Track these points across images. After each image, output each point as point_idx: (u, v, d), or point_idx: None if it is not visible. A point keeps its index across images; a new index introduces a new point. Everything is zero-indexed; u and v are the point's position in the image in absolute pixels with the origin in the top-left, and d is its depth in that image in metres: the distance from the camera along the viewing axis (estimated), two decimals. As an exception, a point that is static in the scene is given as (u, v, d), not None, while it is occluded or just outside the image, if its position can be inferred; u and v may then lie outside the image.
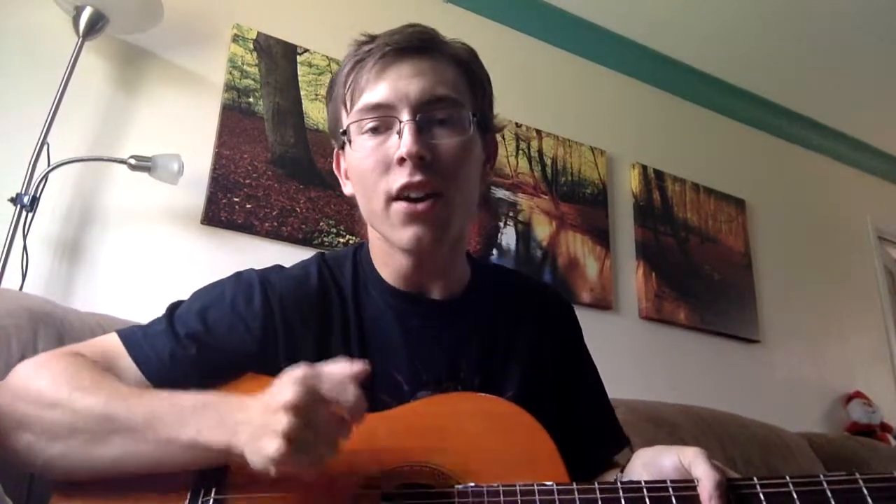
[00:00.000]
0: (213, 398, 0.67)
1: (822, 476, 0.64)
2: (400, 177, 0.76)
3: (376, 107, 0.77)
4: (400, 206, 0.77)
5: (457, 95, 0.80)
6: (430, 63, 0.79)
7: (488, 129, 0.88)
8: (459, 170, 0.79)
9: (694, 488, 0.65)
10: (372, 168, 0.78)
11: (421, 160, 0.75)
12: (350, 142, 0.81)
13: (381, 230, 0.81)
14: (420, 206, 0.76)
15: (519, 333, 0.90)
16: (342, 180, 0.88)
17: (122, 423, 0.65)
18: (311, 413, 0.60)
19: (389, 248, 0.83)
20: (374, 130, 0.78)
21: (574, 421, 0.90)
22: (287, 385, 0.61)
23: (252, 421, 0.62)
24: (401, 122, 0.76)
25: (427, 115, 0.77)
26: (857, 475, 0.64)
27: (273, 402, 0.61)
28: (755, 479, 0.66)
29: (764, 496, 0.64)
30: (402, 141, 0.75)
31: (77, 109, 1.67)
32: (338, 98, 0.83)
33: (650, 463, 0.71)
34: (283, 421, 0.59)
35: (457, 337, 0.86)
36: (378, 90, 0.77)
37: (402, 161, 0.75)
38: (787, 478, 0.65)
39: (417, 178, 0.75)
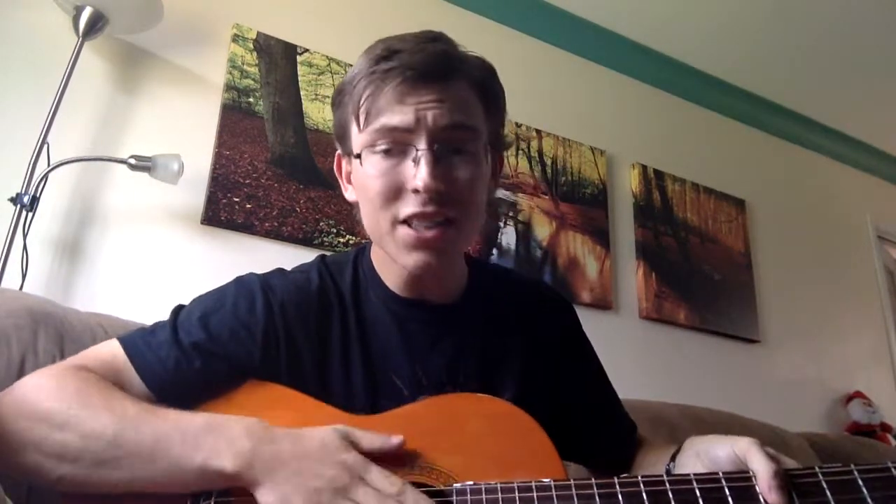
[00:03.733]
0: (221, 420, 0.68)
1: (889, 463, 0.62)
2: (411, 205, 0.75)
3: (393, 129, 0.75)
4: (406, 232, 0.76)
5: (473, 122, 0.78)
6: (451, 88, 0.76)
7: (499, 148, 0.88)
8: (471, 197, 0.78)
9: (749, 479, 0.63)
10: (382, 191, 0.76)
11: (437, 193, 0.74)
12: (359, 157, 0.78)
13: (386, 249, 0.81)
14: (429, 234, 0.76)
15: (516, 334, 0.90)
16: (343, 184, 0.87)
17: (132, 447, 0.65)
18: (352, 494, 0.63)
19: (391, 258, 0.83)
20: (388, 152, 0.76)
21: (581, 415, 0.91)
22: (332, 455, 0.65)
23: (282, 467, 0.64)
24: (418, 150, 0.74)
25: (444, 143, 0.75)
26: None
27: (314, 467, 0.64)
28: (816, 468, 0.63)
29: (827, 485, 0.61)
30: (419, 172, 0.73)
31: (77, 109, 1.67)
32: (349, 109, 0.79)
33: (703, 453, 0.71)
34: (323, 494, 0.62)
35: (456, 341, 0.86)
36: (397, 114, 0.74)
37: (416, 191, 0.74)
38: (853, 465, 0.62)
39: (430, 209, 0.75)
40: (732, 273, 2.69)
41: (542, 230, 2.30)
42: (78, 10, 1.61)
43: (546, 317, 0.94)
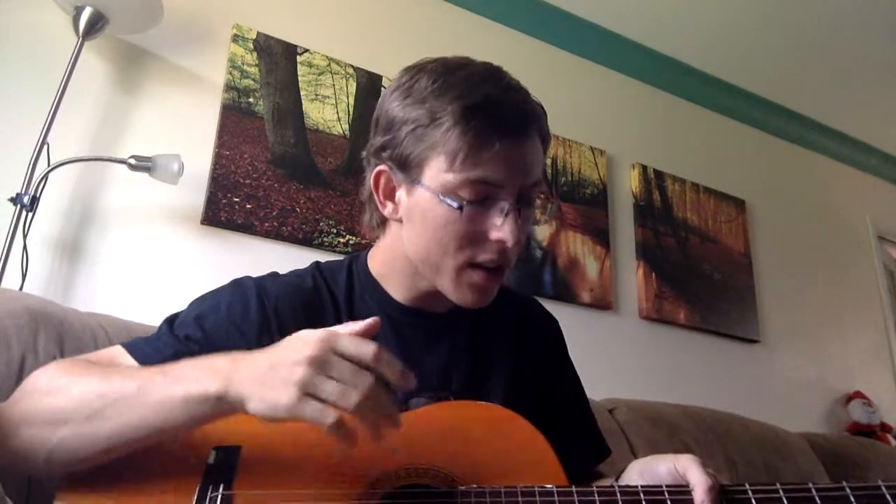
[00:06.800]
0: (202, 357, 0.68)
1: (811, 484, 0.67)
2: (489, 253, 0.79)
3: (490, 183, 0.77)
4: (477, 275, 0.80)
5: (542, 176, 0.82)
6: (533, 144, 0.80)
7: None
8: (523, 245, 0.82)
9: (689, 493, 0.67)
10: (464, 236, 0.78)
11: (515, 245, 0.78)
12: (432, 191, 0.78)
13: (439, 280, 0.82)
14: (494, 278, 0.81)
15: (504, 343, 0.93)
16: (379, 198, 0.84)
17: (118, 394, 0.66)
18: (328, 366, 0.61)
19: (415, 274, 0.84)
20: (477, 202, 0.77)
21: (556, 429, 0.91)
22: (303, 340, 0.62)
23: (259, 370, 0.62)
24: (507, 205, 0.77)
25: (525, 199, 0.80)
26: (845, 484, 0.67)
27: (288, 355, 0.61)
28: (747, 485, 0.68)
29: (756, 501, 0.66)
30: (507, 227, 0.77)
31: (77, 109, 1.67)
32: (433, 144, 0.77)
33: (646, 470, 0.73)
34: (298, 372, 0.60)
35: (448, 346, 0.88)
36: (497, 172, 0.76)
37: (499, 242, 0.78)
38: (778, 484, 0.67)
39: (503, 258, 0.79)
40: (732, 273, 2.69)
41: (542, 230, 2.30)
42: (78, 10, 1.61)
43: (533, 329, 0.97)
